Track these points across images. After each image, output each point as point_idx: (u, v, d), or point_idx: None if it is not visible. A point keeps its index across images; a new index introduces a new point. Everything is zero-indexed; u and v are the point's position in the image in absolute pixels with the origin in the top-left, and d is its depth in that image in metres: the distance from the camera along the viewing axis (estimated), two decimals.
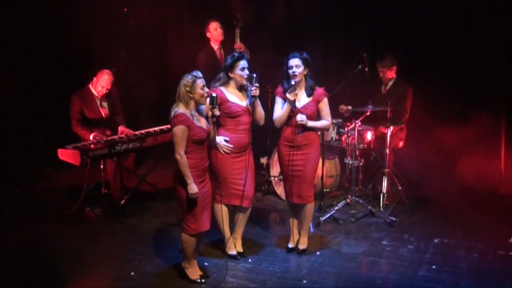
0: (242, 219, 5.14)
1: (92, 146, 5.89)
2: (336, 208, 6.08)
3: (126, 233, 5.81)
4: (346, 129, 6.35)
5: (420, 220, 6.05)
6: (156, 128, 6.36)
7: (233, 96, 4.96)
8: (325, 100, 5.12)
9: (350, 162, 6.25)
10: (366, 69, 6.40)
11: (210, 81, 4.88)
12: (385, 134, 6.33)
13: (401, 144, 6.78)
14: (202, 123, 4.57)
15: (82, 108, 6.17)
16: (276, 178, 6.63)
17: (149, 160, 7.32)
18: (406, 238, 5.58)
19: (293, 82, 4.94)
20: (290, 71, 4.98)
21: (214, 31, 6.89)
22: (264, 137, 6.79)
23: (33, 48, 7.12)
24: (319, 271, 4.94)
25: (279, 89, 5.13)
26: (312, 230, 5.67)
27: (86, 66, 6.32)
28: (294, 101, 4.97)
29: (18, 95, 6.97)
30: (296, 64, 4.97)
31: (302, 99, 5.05)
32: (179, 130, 4.42)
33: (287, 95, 4.96)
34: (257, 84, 4.89)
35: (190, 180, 4.45)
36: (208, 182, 4.71)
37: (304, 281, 4.75)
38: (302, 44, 6.62)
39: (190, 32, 7.78)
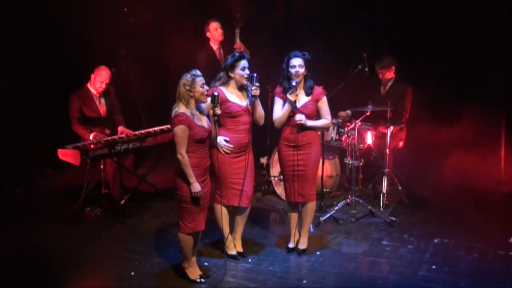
0: (241, 219, 5.15)
1: (92, 146, 5.89)
2: (336, 208, 6.08)
3: (126, 233, 5.82)
4: (346, 129, 6.35)
5: (420, 220, 6.05)
6: (156, 128, 6.36)
7: (233, 96, 4.96)
8: (324, 98, 5.12)
9: (350, 162, 6.25)
10: (366, 69, 6.40)
11: (210, 81, 4.88)
12: (385, 134, 6.33)
13: (401, 144, 6.78)
14: (203, 122, 4.57)
15: (81, 107, 6.18)
16: (276, 178, 6.63)
17: (149, 160, 7.32)
18: (406, 238, 5.58)
19: (294, 83, 4.94)
20: (293, 71, 4.97)
21: (214, 31, 6.89)
22: (264, 137, 6.79)
23: (33, 48, 7.11)
24: (319, 271, 4.94)
25: (278, 89, 5.12)
26: (312, 230, 5.67)
27: (86, 66, 6.31)
28: (295, 101, 4.97)
29: (18, 95, 6.97)
30: (299, 64, 4.97)
31: (301, 99, 5.05)
32: (180, 130, 4.42)
33: (288, 96, 4.95)
34: (257, 84, 4.89)
35: (192, 179, 4.45)
36: (209, 182, 4.72)
37: (304, 281, 4.75)
38: (302, 44, 6.62)
39: (190, 32, 7.77)
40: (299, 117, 4.96)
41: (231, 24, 6.98)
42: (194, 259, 4.79)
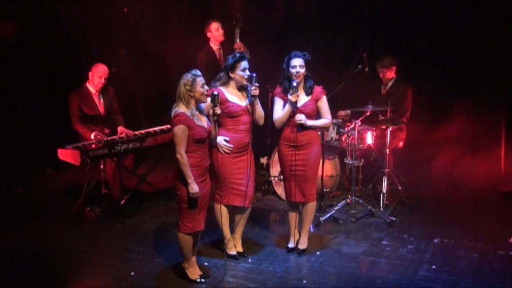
0: (242, 219, 5.14)
1: (92, 146, 5.89)
2: (336, 208, 6.08)
3: (126, 233, 5.81)
4: (346, 129, 6.35)
5: (420, 220, 6.05)
6: (156, 128, 6.37)
7: (233, 96, 4.95)
8: (324, 98, 5.12)
9: (350, 162, 6.25)
10: (366, 69, 6.40)
11: (209, 81, 4.88)
12: (385, 134, 6.32)
13: (401, 144, 6.78)
14: (203, 122, 4.57)
15: (81, 105, 6.19)
16: (276, 178, 6.63)
17: (149, 160, 7.32)
18: (406, 238, 5.58)
19: (295, 84, 4.94)
20: (294, 71, 4.97)
21: (216, 32, 6.88)
22: (264, 137, 6.79)
23: (33, 48, 7.12)
24: (319, 271, 4.94)
25: (278, 89, 5.12)
26: (312, 230, 5.67)
27: (86, 66, 6.32)
28: (296, 102, 4.97)
29: (18, 95, 6.97)
30: (300, 64, 4.97)
31: (301, 98, 5.05)
32: (179, 130, 4.42)
33: (289, 96, 4.95)
34: (257, 84, 4.89)
35: (191, 180, 4.45)
36: (209, 182, 4.71)
37: (304, 281, 4.75)
38: (302, 44, 6.63)
39: (190, 32, 7.78)
40: (299, 117, 4.96)
41: (231, 24, 6.98)
42: (194, 259, 4.79)
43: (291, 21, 7.94)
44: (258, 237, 5.65)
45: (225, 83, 4.96)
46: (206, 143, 4.62)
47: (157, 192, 6.67)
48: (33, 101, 7.22)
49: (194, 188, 4.46)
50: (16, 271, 4.98)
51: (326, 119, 5.14)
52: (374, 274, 4.90)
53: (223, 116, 4.88)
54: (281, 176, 5.53)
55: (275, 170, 6.63)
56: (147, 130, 6.35)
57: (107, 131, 6.31)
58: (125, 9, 7.48)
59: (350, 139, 6.25)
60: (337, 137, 6.51)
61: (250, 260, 5.14)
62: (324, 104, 5.12)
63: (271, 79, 6.07)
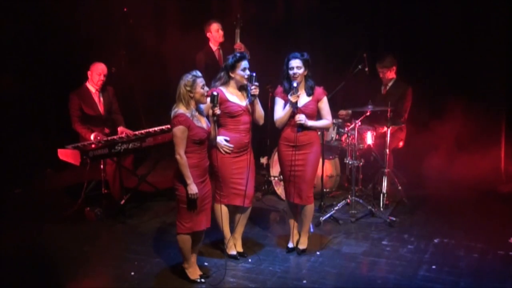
0: (242, 219, 5.14)
1: (92, 146, 5.89)
2: (336, 208, 6.08)
3: (126, 233, 5.82)
4: (346, 129, 6.35)
5: (420, 220, 6.05)
6: (156, 128, 6.37)
7: (233, 96, 4.96)
8: (325, 99, 5.12)
9: (350, 162, 6.25)
10: (366, 69, 6.40)
11: (209, 81, 4.88)
12: (385, 134, 6.33)
13: (401, 144, 6.78)
14: (203, 123, 4.57)
15: (81, 105, 6.19)
16: (276, 178, 6.63)
17: (149, 160, 7.32)
18: (406, 238, 5.58)
19: (295, 84, 4.94)
20: (291, 72, 4.98)
21: (216, 32, 6.88)
22: (264, 137, 6.80)
23: (33, 48, 7.12)
24: (319, 271, 4.94)
25: (279, 89, 5.12)
26: (312, 230, 5.67)
27: (86, 66, 6.32)
28: (296, 102, 4.97)
29: (18, 95, 6.97)
30: (297, 66, 4.97)
31: (302, 98, 5.05)
32: (179, 131, 4.42)
33: (289, 97, 4.95)
34: (256, 83, 4.89)
35: (190, 181, 4.45)
36: (209, 182, 4.71)
37: (304, 281, 4.75)
38: (302, 44, 6.63)
39: (190, 32, 7.77)
40: (300, 117, 4.96)
41: (231, 24, 6.98)
42: (194, 259, 4.78)
43: (291, 21, 7.93)
44: (258, 237, 5.65)
45: (225, 83, 4.97)
46: (206, 144, 4.62)
47: (157, 192, 6.67)
48: (33, 101, 7.22)
49: (193, 189, 4.46)
50: (16, 271, 4.98)
51: (326, 120, 5.14)
52: (374, 274, 4.90)
53: (223, 116, 4.88)
54: (281, 176, 5.53)
55: (275, 170, 6.63)
56: (147, 130, 6.35)
57: (107, 131, 6.32)
58: (125, 9, 7.48)
59: (350, 139, 6.25)
60: (337, 137, 6.51)
61: (250, 260, 5.14)
62: (325, 105, 5.12)
63: (271, 79, 6.08)
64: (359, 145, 6.24)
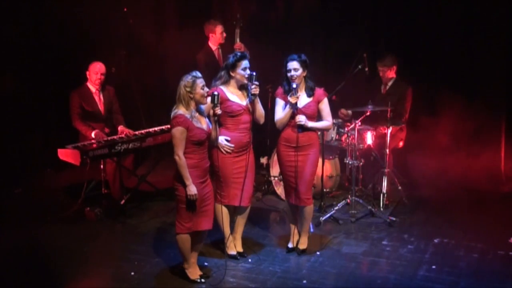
0: (242, 218, 5.15)
1: (92, 146, 5.89)
2: (336, 208, 6.08)
3: (126, 233, 5.82)
4: (346, 129, 6.35)
5: (420, 220, 6.05)
6: (156, 128, 6.37)
7: (233, 95, 4.96)
8: (325, 100, 5.12)
9: (350, 162, 6.25)
10: (366, 69, 6.40)
11: (208, 81, 4.88)
12: (385, 134, 6.33)
13: (401, 144, 6.78)
14: (203, 123, 4.56)
15: (81, 103, 6.19)
16: (276, 178, 6.63)
17: (149, 160, 7.32)
18: (406, 238, 5.58)
19: (294, 85, 4.94)
20: (289, 74, 4.98)
21: (220, 35, 6.91)
22: (264, 137, 6.79)
23: (33, 48, 7.12)
24: (319, 271, 4.93)
25: (279, 90, 5.12)
26: (312, 230, 5.67)
27: (86, 66, 6.32)
28: (296, 103, 4.96)
29: (18, 95, 6.97)
30: (294, 68, 4.97)
31: (303, 99, 5.05)
32: (178, 132, 4.42)
33: (289, 98, 4.95)
34: (256, 82, 4.89)
35: (188, 182, 4.44)
36: (210, 183, 4.71)
37: (304, 281, 4.75)
38: (302, 44, 6.63)
39: (190, 32, 7.77)
40: (300, 118, 4.96)
41: (231, 24, 6.97)
42: (194, 259, 4.78)
43: (291, 21, 7.93)
44: (258, 237, 5.65)
45: (226, 82, 4.97)
46: (206, 144, 4.61)
47: (157, 192, 6.67)
48: (33, 101, 7.21)
49: (191, 190, 4.45)
50: (16, 271, 4.98)
51: (327, 122, 5.14)
52: (374, 274, 4.89)
53: (224, 115, 4.88)
54: (281, 176, 5.52)
55: (275, 170, 6.63)
56: (147, 130, 6.35)
57: (107, 130, 6.32)
58: (125, 9, 7.48)
59: (350, 139, 6.25)
60: (337, 137, 6.51)
61: (250, 260, 5.13)
62: (325, 106, 5.11)
63: (271, 79, 6.08)
64: (359, 145, 6.24)
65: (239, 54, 4.95)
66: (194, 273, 4.75)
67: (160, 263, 5.10)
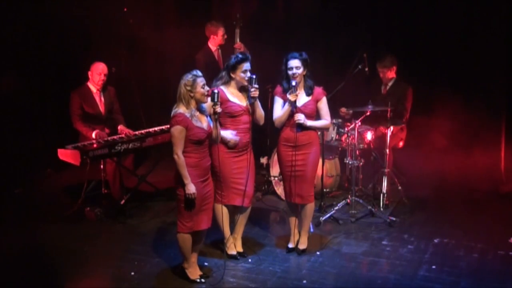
0: (242, 218, 5.15)
1: (92, 146, 5.89)
2: (336, 208, 6.08)
3: (126, 233, 5.81)
4: (346, 129, 6.35)
5: (420, 220, 6.05)
6: (156, 128, 6.37)
7: (233, 96, 4.96)
8: (324, 99, 5.12)
9: (350, 162, 6.25)
10: (366, 69, 6.40)
11: (209, 81, 4.87)
12: (385, 134, 6.33)
13: (401, 144, 6.78)
14: (203, 122, 4.56)
15: (82, 104, 6.19)
16: (276, 178, 6.63)
17: (149, 160, 7.32)
18: (406, 238, 5.58)
19: (294, 83, 4.93)
20: (290, 72, 4.98)
21: (221, 37, 6.93)
22: (264, 137, 6.80)
23: (33, 48, 7.11)
24: (319, 271, 4.94)
25: (278, 88, 5.12)
26: (312, 230, 5.67)
27: (87, 66, 6.32)
28: (295, 101, 4.97)
29: (18, 95, 6.96)
30: (296, 66, 4.97)
31: (302, 98, 5.05)
32: (176, 131, 4.42)
33: (288, 96, 4.95)
34: (256, 86, 4.88)
35: (187, 181, 4.44)
36: (211, 182, 4.71)
37: (304, 281, 4.75)
38: (302, 44, 6.62)
39: (190, 32, 7.78)
40: (299, 117, 4.96)
41: (231, 24, 6.97)
42: (194, 259, 4.78)
43: (291, 21, 7.93)
44: (258, 237, 5.65)
45: (226, 83, 4.97)
46: (206, 144, 4.61)
47: (157, 192, 6.67)
48: (33, 101, 7.21)
49: (190, 189, 4.45)
50: (16, 271, 4.98)
51: (325, 120, 5.14)
52: (374, 274, 4.89)
53: (224, 115, 4.88)
54: (281, 176, 5.52)
55: (275, 170, 6.63)
56: (147, 130, 6.35)
57: (107, 131, 6.31)
58: (125, 9, 7.48)
59: (350, 139, 6.25)
60: (337, 137, 6.51)
61: (250, 260, 5.14)
62: (324, 105, 5.11)
63: (271, 79, 6.08)
64: (359, 145, 6.24)
65: (240, 56, 4.93)
66: (194, 273, 4.75)
67: (160, 263, 5.10)
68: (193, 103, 4.50)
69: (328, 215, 6.02)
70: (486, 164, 6.99)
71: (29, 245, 5.47)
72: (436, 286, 4.65)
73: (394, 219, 5.96)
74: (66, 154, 5.85)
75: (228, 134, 4.90)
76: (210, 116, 4.67)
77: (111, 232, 5.83)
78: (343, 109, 6.56)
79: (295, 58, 4.98)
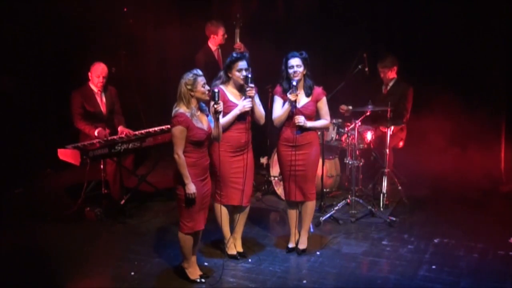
0: (241, 218, 5.15)
1: (92, 146, 5.89)
2: (336, 208, 6.08)
3: (126, 233, 5.81)
4: (346, 129, 6.35)
5: (420, 220, 6.05)
6: (156, 128, 6.37)
7: (232, 95, 4.96)
8: (324, 99, 5.12)
9: (350, 162, 6.25)
10: (366, 69, 6.40)
11: (209, 81, 4.87)
12: (385, 134, 6.33)
13: (401, 144, 6.78)
14: (204, 123, 4.56)
15: (83, 103, 6.19)
16: (276, 178, 6.63)
17: (149, 160, 7.31)
18: (406, 238, 5.58)
19: (294, 83, 4.93)
20: (291, 71, 4.97)
21: (221, 37, 6.92)
22: (264, 137, 6.79)
23: (33, 48, 7.12)
24: (319, 271, 4.94)
25: (278, 88, 5.12)
26: (312, 230, 5.67)
27: (87, 67, 6.32)
28: (295, 101, 4.96)
29: (18, 95, 6.97)
30: (297, 64, 4.97)
31: (301, 99, 5.05)
32: (177, 131, 4.42)
33: (288, 95, 4.95)
34: (252, 85, 4.88)
35: (188, 180, 4.44)
36: (209, 181, 4.71)
37: (304, 281, 4.75)
38: (302, 43, 6.62)
39: (190, 32, 7.78)
40: (299, 119, 4.95)
41: (231, 24, 6.97)
42: (194, 259, 4.79)
43: (291, 20, 7.93)
44: (258, 237, 5.65)
45: (225, 82, 4.98)
46: (205, 144, 4.61)
47: (157, 192, 6.67)
48: (33, 101, 7.21)
49: (190, 188, 4.45)
50: (16, 271, 4.98)
51: (325, 120, 5.14)
52: (374, 274, 4.90)
53: (224, 115, 4.88)
54: (281, 176, 5.52)
55: (275, 170, 6.62)
56: (147, 130, 6.35)
57: (107, 131, 6.30)
58: (125, 9, 7.48)
59: (350, 139, 6.25)
60: (337, 137, 6.51)
61: (250, 260, 5.14)
62: (324, 105, 5.11)
63: (271, 79, 6.08)
64: (359, 145, 6.24)
65: (234, 55, 4.95)
66: (194, 273, 4.76)
67: (160, 263, 5.10)
68: (193, 102, 4.49)
69: (328, 215, 6.02)
70: (486, 164, 6.99)
71: (29, 245, 5.47)
72: (436, 286, 4.65)
73: (394, 219, 5.96)
74: (66, 154, 5.85)
75: (243, 104, 4.86)
76: (211, 115, 4.67)
77: (111, 232, 5.83)
78: (343, 106, 6.54)
79: (295, 56, 4.98)
